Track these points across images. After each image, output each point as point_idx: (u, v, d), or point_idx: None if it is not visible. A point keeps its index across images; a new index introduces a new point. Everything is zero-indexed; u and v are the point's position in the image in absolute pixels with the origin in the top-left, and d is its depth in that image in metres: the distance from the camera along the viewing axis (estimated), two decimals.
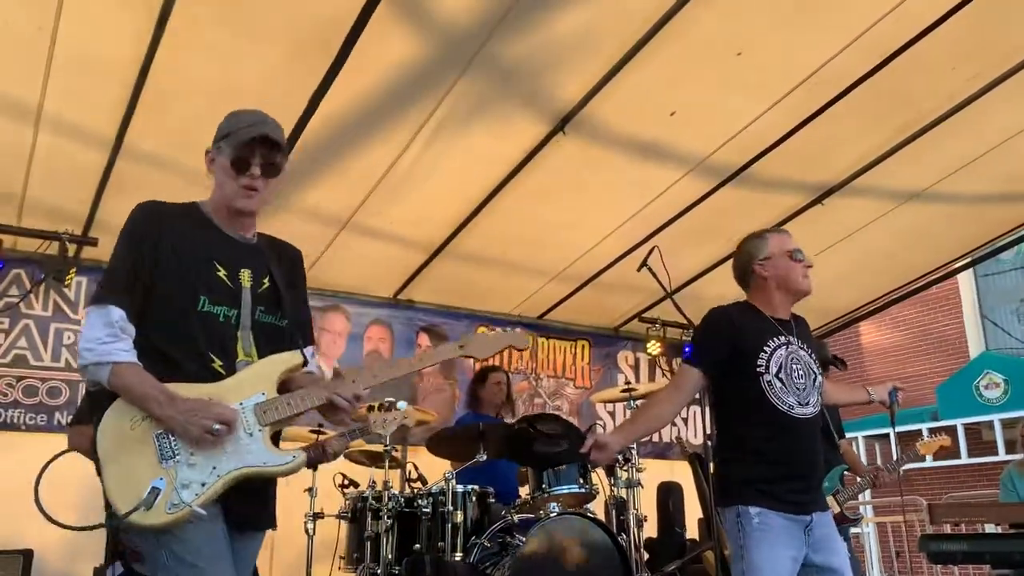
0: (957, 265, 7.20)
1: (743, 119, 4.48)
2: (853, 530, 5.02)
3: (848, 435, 5.11)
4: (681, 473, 5.83)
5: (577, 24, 3.78)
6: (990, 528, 5.30)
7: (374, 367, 2.25)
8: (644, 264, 4.19)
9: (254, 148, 2.13)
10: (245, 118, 2.18)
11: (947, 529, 5.22)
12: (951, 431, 10.51)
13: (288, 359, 2.14)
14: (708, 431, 4.31)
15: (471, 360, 6.30)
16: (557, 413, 5.03)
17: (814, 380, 2.81)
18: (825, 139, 4.73)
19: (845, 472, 4.46)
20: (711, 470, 2.93)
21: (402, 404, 4.14)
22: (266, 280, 2.20)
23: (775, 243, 2.92)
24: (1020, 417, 7.67)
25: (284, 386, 2.14)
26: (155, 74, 3.69)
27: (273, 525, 2.20)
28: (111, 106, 3.91)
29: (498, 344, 2.35)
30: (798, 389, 2.75)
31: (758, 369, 2.72)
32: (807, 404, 2.75)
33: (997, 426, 10.27)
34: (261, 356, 2.13)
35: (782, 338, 2.80)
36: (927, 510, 5.54)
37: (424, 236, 5.35)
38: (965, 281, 12.02)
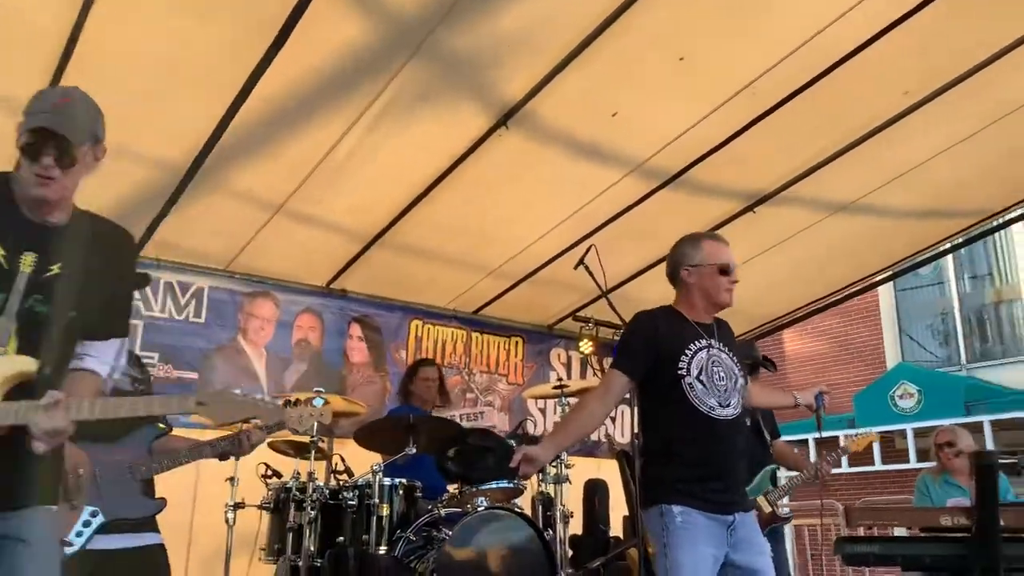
0: (879, 278, 7.45)
1: (683, 124, 4.53)
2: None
3: None
4: (607, 471, 5.88)
5: (524, 19, 3.77)
6: (899, 532, 5.48)
7: (99, 401, 2.06)
8: (581, 262, 4.20)
9: (46, 136, 1.98)
10: (43, 101, 2.03)
11: (861, 532, 5.37)
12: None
13: (17, 364, 1.96)
14: (635, 429, 4.37)
15: (400, 352, 6.26)
16: (487, 427, 5.02)
17: (735, 382, 2.87)
18: (760, 148, 4.81)
19: (778, 471, 4.49)
20: (637, 468, 2.96)
21: (318, 401, 4.04)
22: (56, 267, 2.02)
23: (708, 252, 2.97)
24: (932, 427, 7.95)
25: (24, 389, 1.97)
26: (84, 45, 3.53)
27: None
28: (35, 76, 3.73)
29: (241, 411, 2.14)
30: (719, 391, 2.81)
31: (679, 372, 2.78)
32: (728, 406, 2.81)
33: (910, 435, 10.68)
34: (21, 347, 1.98)
35: (703, 341, 2.87)
36: (843, 514, 5.69)
37: (360, 224, 5.26)
38: (885, 294, 12.46)
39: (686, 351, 2.82)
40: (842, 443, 4.62)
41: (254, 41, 3.56)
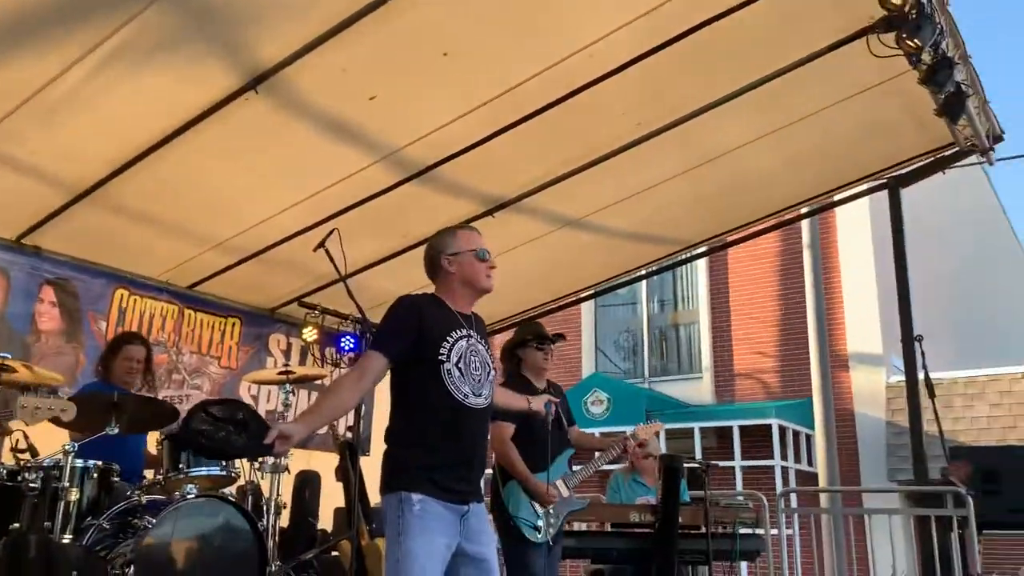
0: (590, 292, 8.05)
1: (439, 119, 4.54)
2: None
3: None
4: (319, 463, 5.74)
5: None
6: (580, 527, 5.91)
7: None
8: (322, 245, 4.05)
9: None
10: None
11: None
12: None
13: None
14: (354, 422, 4.29)
15: (99, 322, 5.65)
16: (237, 398, 4.69)
17: (488, 373, 2.97)
18: (507, 155, 4.97)
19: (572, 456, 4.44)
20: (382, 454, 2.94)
21: (63, 390, 3.53)
22: None
23: (463, 240, 3.04)
24: (618, 431, 8.69)
25: None
26: None
27: None
28: None
29: None
30: (474, 380, 2.88)
31: (440, 357, 2.81)
32: (480, 395, 2.90)
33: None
34: None
35: (463, 330, 2.92)
36: None
37: (70, 175, 4.64)
38: (586, 307, 13.48)
39: (448, 337, 2.85)
40: (640, 424, 4.81)
41: None
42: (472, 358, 2.90)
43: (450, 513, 2.74)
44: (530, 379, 4.19)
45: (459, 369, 2.84)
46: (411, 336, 2.83)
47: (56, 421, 3.37)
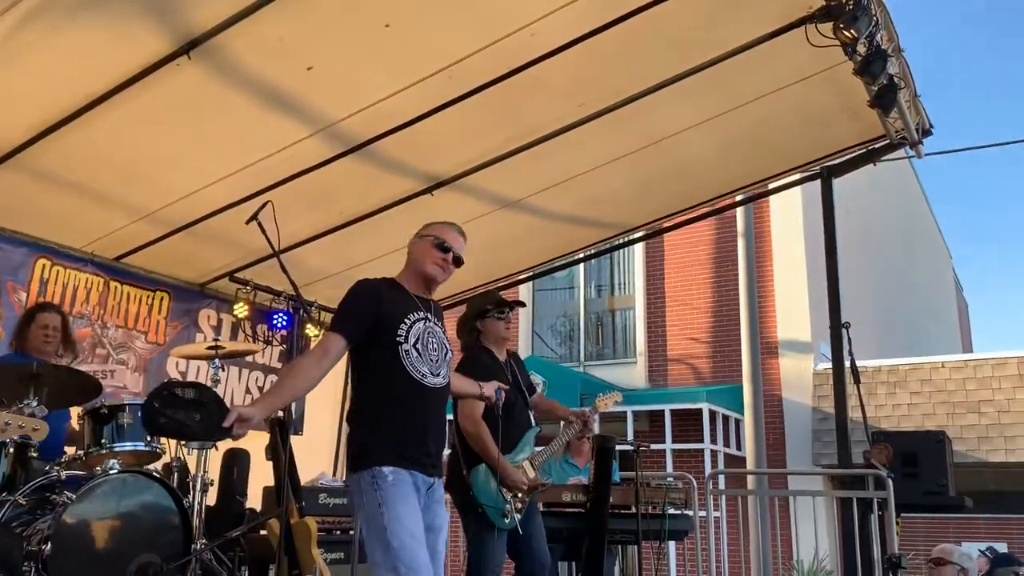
0: (527, 275, 8.06)
1: (378, 93, 4.46)
2: None
3: None
4: (248, 441, 5.58)
5: None
6: None
7: None
8: (254, 218, 3.97)
9: None
10: None
11: None
12: None
13: None
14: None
15: (19, 293, 5.42)
16: (200, 381, 4.53)
17: (445, 354, 3.08)
18: (446, 132, 4.91)
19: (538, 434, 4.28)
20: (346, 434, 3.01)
21: (41, 410, 3.38)
22: None
23: (435, 230, 3.16)
24: None
25: None
26: None
27: None
28: None
29: None
30: (432, 361, 2.98)
31: (398, 338, 2.91)
32: (438, 375, 3.01)
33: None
34: None
35: (421, 313, 3.02)
36: None
37: None
38: (524, 291, 13.53)
39: (405, 319, 2.95)
40: (599, 396, 4.73)
41: None
42: (429, 340, 2.99)
43: (419, 483, 2.85)
44: (493, 350, 4.13)
45: (416, 350, 2.93)
46: (370, 318, 2.91)
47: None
